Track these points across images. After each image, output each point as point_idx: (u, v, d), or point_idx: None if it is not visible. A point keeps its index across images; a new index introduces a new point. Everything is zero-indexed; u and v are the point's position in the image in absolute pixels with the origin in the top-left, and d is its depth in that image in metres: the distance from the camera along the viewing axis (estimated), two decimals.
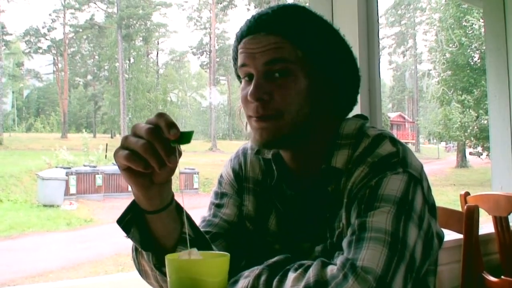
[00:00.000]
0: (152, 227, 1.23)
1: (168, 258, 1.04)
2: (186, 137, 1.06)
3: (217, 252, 1.13)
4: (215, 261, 1.07)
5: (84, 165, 24.20)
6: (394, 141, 1.31)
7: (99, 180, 21.23)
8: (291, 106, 1.30)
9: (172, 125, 1.05)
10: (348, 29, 2.62)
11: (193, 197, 21.64)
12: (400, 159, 1.27)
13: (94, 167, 23.14)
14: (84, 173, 21.84)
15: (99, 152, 27.56)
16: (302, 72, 1.31)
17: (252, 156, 1.54)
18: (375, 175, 1.25)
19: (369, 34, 2.66)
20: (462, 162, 33.28)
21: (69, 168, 22.19)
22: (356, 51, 2.56)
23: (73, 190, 20.78)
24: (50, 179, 19.06)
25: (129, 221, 1.22)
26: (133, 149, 1.06)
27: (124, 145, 1.08)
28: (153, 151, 1.05)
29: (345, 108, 1.43)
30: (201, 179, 24.63)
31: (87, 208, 19.19)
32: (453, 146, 37.25)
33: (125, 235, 1.23)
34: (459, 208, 3.22)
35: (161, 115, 1.07)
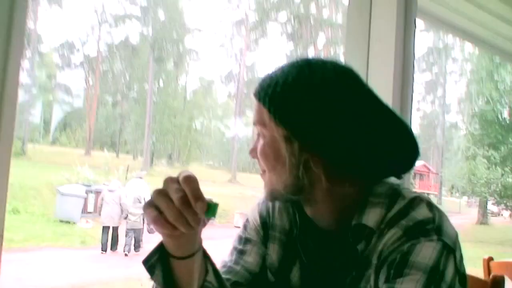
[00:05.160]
0: (176, 272, 1.22)
1: None
2: (212, 210, 1.08)
3: None
4: None
5: (104, 184, 24.20)
6: (430, 206, 1.28)
7: None
8: (266, 165, 1.34)
9: (198, 197, 1.06)
10: (383, 74, 2.59)
11: (209, 228, 21.59)
12: (435, 226, 1.23)
13: None
14: None
15: (120, 172, 27.65)
16: (273, 135, 1.30)
17: (281, 203, 1.50)
18: (408, 239, 1.21)
19: (403, 82, 2.62)
20: (483, 218, 32.84)
21: (89, 186, 22.17)
22: (389, 98, 2.53)
23: (90, 208, 20.77)
24: (69, 195, 19.09)
25: (154, 263, 1.22)
26: (163, 212, 1.08)
27: (154, 203, 1.09)
28: (183, 220, 1.08)
29: (379, 171, 1.34)
30: (218, 210, 24.49)
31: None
32: (474, 202, 36.76)
33: (149, 276, 1.23)
34: (478, 268, 3.16)
35: (188, 181, 1.07)
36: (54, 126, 44.13)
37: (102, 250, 14.88)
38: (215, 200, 1.10)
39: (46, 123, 43.70)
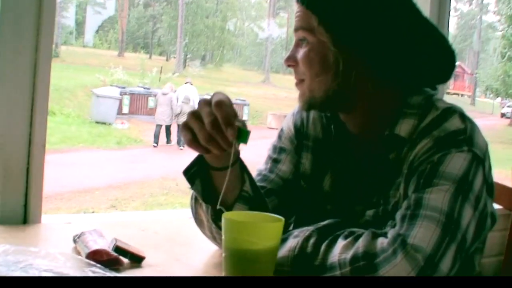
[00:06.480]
0: (215, 182, 1.30)
1: (225, 217, 1.07)
2: (243, 137, 1.11)
3: (272, 215, 1.15)
4: (270, 226, 1.10)
5: (138, 86, 24.28)
6: (463, 117, 1.29)
7: (151, 103, 21.01)
8: (310, 73, 1.33)
9: (229, 123, 1.10)
10: None
11: None
12: (466, 137, 1.25)
13: (148, 89, 23.10)
14: (138, 94, 21.96)
15: (153, 74, 27.66)
16: (321, 41, 1.30)
17: (315, 112, 1.52)
18: (439, 150, 1.24)
19: None
20: None
21: (124, 87, 22.20)
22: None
23: (125, 110, 20.88)
24: (104, 96, 19.19)
25: (194, 173, 1.30)
26: (196, 134, 1.14)
27: (189, 124, 1.16)
28: (214, 143, 1.14)
29: (416, 79, 1.38)
30: (251, 111, 24.40)
31: (138, 128, 19.28)
32: (508, 104, 36.09)
33: (189, 186, 1.31)
34: (508, 170, 3.14)
35: (220, 106, 1.11)
36: (88, 28, 43.92)
37: (154, 144, 17.13)
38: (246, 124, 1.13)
39: (79, 25, 43.48)
